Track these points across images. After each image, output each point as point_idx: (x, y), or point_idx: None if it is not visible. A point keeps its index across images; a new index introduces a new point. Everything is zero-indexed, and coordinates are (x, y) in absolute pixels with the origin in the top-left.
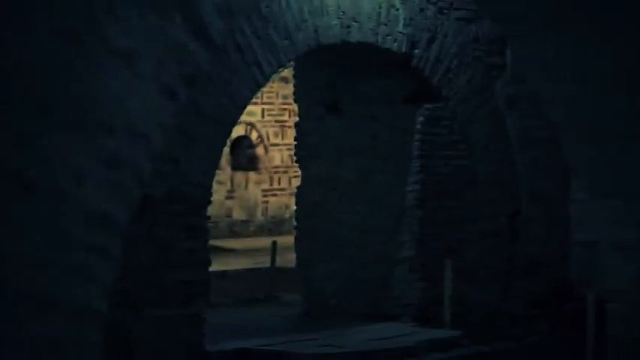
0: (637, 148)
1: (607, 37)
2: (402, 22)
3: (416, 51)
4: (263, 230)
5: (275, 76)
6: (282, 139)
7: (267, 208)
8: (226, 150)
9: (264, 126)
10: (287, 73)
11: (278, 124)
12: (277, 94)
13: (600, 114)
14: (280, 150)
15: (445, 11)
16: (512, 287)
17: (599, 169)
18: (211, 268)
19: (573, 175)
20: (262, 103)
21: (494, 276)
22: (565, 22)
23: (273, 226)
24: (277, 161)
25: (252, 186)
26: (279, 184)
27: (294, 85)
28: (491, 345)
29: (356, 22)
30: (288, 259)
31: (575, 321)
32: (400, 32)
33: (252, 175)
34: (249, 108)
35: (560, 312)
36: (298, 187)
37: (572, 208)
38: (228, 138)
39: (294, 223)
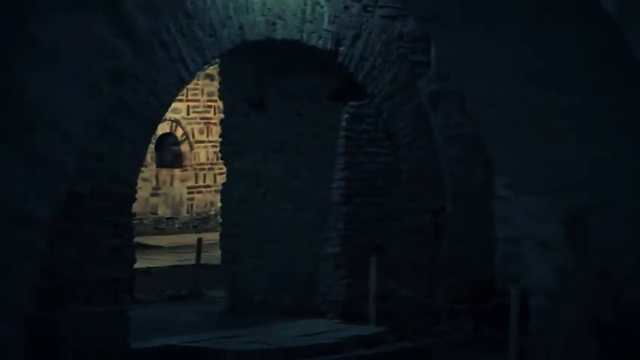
0: (558, 144)
1: (528, 35)
2: (326, 19)
3: (341, 48)
4: (188, 227)
5: (200, 73)
6: (208, 136)
7: (192, 205)
8: (151, 147)
9: (190, 123)
10: (212, 70)
11: (203, 121)
12: (202, 91)
13: (522, 111)
14: (205, 147)
15: (370, 9)
16: (436, 283)
17: (521, 166)
18: (136, 265)
19: (496, 172)
20: (187, 100)
21: (418, 272)
22: (487, 20)
23: (199, 222)
24: (202, 158)
25: (178, 183)
26: (204, 181)
27: (220, 82)
28: (416, 341)
29: (281, 19)
30: (214, 256)
31: (499, 316)
32: (325, 29)
33: (177, 172)
34: (174, 105)
35: (483, 308)
36: (223, 184)
37: (495, 205)
38: (153, 135)
39: (220, 220)
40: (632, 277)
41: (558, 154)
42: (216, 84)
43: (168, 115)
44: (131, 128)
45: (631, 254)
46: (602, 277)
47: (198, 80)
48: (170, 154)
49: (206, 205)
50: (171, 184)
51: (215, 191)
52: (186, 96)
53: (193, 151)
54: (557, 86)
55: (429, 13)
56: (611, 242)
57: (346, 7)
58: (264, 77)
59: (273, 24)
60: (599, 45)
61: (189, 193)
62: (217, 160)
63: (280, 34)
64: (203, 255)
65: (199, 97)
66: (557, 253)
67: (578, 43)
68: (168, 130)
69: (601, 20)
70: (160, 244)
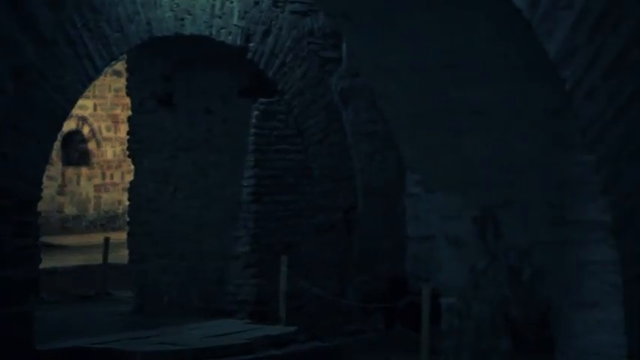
0: (469, 141)
1: (437, 30)
2: (236, 14)
3: (251, 44)
4: (95, 226)
5: (107, 69)
6: (115, 133)
7: (99, 204)
8: (57, 144)
9: (97, 120)
10: (120, 66)
11: (110, 118)
12: (109, 88)
13: (432, 108)
14: (113, 144)
15: (280, 4)
16: (348, 282)
17: (432, 163)
18: (42, 265)
19: (408, 169)
20: (94, 97)
21: (330, 271)
22: (396, 15)
23: (106, 221)
24: (110, 156)
25: (84, 181)
26: (111, 178)
27: (127, 79)
28: (328, 340)
29: (190, 14)
30: (121, 255)
31: (411, 315)
32: (235, 25)
33: (84, 169)
34: (81, 102)
35: (395, 306)
36: (131, 182)
37: (407, 203)
38: (59, 132)
39: (127, 219)
40: (542, 275)
41: (469, 151)
42: (123, 80)
43: (75, 112)
44: (36, 126)
45: (541, 252)
46: (514, 275)
47: (105, 76)
48: (77, 151)
49: (113, 203)
50: (78, 182)
51: (123, 189)
52: (93, 92)
53: (101, 148)
54: (468, 82)
55: (339, 8)
56: (523, 240)
57: (256, 3)
58: (173, 74)
59: (182, 19)
60: (511, 41)
61: (96, 191)
62: (125, 157)
63: (189, 29)
64: (110, 254)
65: (106, 93)
66: (468, 252)
67: (489, 39)
68: (74, 128)
69: (513, 16)
70: (67, 244)
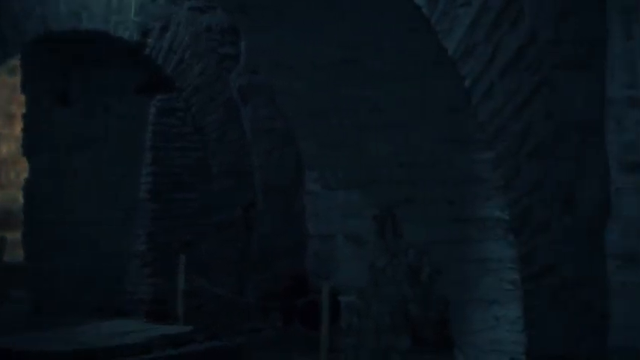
0: (367, 138)
1: (336, 27)
2: (133, 10)
3: (148, 40)
4: None
5: (2, 66)
6: (10, 130)
7: None
8: None
9: None
10: (14, 62)
11: (5, 115)
12: (4, 85)
13: (331, 104)
14: (8, 142)
15: (178, 0)
16: (246, 280)
17: (331, 160)
18: None
19: (307, 166)
20: None
21: (228, 269)
22: (294, 11)
23: (1, 220)
24: (4, 153)
25: None
26: (7, 177)
27: (22, 75)
28: (226, 339)
29: (86, 9)
30: (17, 255)
31: (311, 313)
32: (132, 21)
33: None
34: None
35: (295, 305)
36: (26, 180)
37: (306, 200)
38: None
39: (23, 218)
40: (441, 273)
41: (369, 148)
42: (18, 77)
43: None
44: None
45: (440, 250)
46: (413, 273)
47: None
48: None
49: (8, 201)
50: None
51: (18, 187)
52: None
53: None
54: (368, 79)
55: (236, 5)
56: (422, 238)
57: None
58: (69, 70)
59: (78, 15)
60: (411, 38)
61: None
62: (20, 155)
63: (85, 25)
64: (6, 254)
65: (1, 90)
66: (368, 250)
67: (390, 36)
68: None
69: (413, 13)
70: None
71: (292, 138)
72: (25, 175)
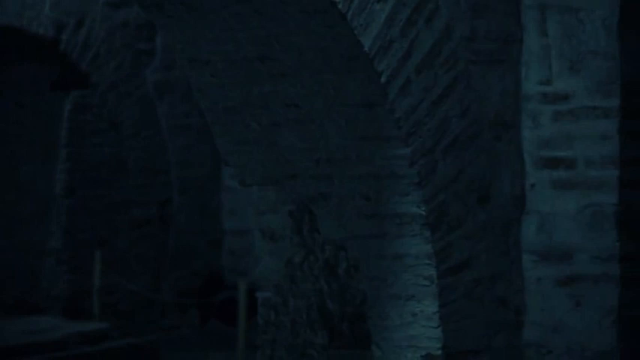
0: (282, 135)
1: (252, 22)
2: (47, 5)
3: (63, 36)
4: None
5: None
6: None
7: None
8: None
9: None
10: None
11: None
12: None
13: (248, 100)
14: None
15: None
16: (163, 277)
17: (247, 156)
18: None
19: (223, 162)
20: None
21: (145, 266)
22: (208, 6)
23: None
24: None
25: None
26: None
27: None
28: (142, 336)
29: None
30: None
31: (227, 310)
32: (46, 16)
33: None
34: None
35: (212, 301)
36: None
37: (223, 197)
38: None
39: None
40: (358, 269)
41: (284, 144)
42: None
43: None
44: None
45: (357, 245)
46: (329, 268)
47: None
48: None
49: None
50: None
51: None
52: None
53: None
54: (283, 75)
55: (152, 0)
56: (338, 233)
57: None
58: None
59: None
60: (327, 34)
61: None
62: None
63: None
64: None
65: None
66: (284, 246)
67: (305, 31)
68: None
69: (329, 9)
70: None
71: (209, 134)
72: None
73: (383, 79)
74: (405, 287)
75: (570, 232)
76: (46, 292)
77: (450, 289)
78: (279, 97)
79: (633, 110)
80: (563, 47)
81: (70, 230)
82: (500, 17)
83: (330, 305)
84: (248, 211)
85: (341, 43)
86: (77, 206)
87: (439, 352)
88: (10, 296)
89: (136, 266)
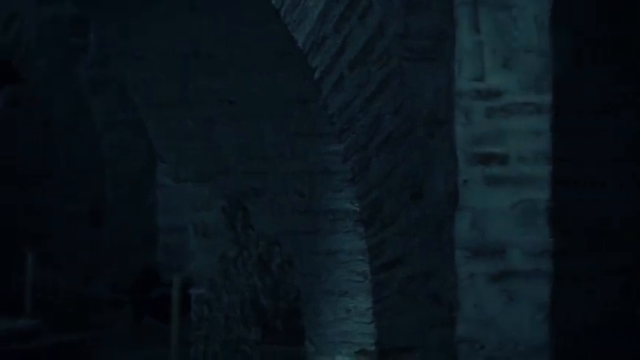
0: (219, 131)
1: (186, 17)
2: None
3: None
4: None
5: None
6: None
7: None
8: None
9: None
10: None
11: None
12: None
13: (182, 96)
14: None
15: None
16: (97, 274)
17: (181, 152)
18: None
19: (158, 158)
20: None
21: (78, 262)
22: (144, 2)
23: None
24: None
25: None
26: None
27: None
28: (75, 333)
29: None
30: None
31: (162, 306)
32: None
33: None
34: None
35: (146, 298)
36: None
37: (157, 193)
38: None
39: None
40: (291, 265)
41: (218, 140)
42: None
43: None
44: None
45: (291, 241)
46: (263, 264)
47: None
48: None
49: None
50: None
51: None
52: None
53: None
54: (217, 70)
55: None
56: (272, 229)
57: None
58: None
59: None
60: (261, 29)
61: None
62: None
63: None
64: None
65: None
66: (217, 242)
67: (239, 26)
68: None
69: (263, 4)
70: None
71: (143, 130)
72: None
73: (316, 76)
74: (338, 283)
75: (503, 228)
76: None
77: (383, 286)
78: (213, 93)
79: (565, 106)
80: (495, 44)
81: (2, 227)
82: (434, 14)
83: (264, 301)
84: (182, 207)
85: (275, 39)
86: (6, 204)
87: (372, 348)
88: None
89: (70, 263)
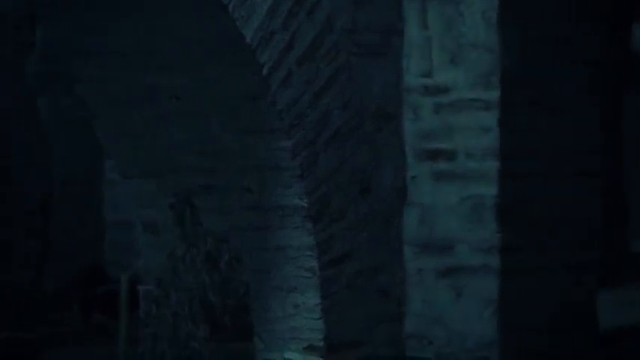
0: (168, 127)
1: (136, 13)
2: None
3: None
4: None
5: None
6: None
7: None
8: None
9: None
10: None
11: None
12: None
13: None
14: None
15: None
16: (45, 271)
17: (129, 149)
18: None
19: (106, 155)
20: None
21: (27, 260)
22: None
23: None
24: None
25: None
26: None
27: None
28: (23, 331)
29: None
30: None
31: (110, 304)
32: None
33: None
34: None
35: (94, 295)
36: None
37: (105, 189)
38: None
39: None
40: (240, 261)
41: (167, 137)
42: None
43: None
44: None
45: (239, 237)
46: (211, 261)
47: None
48: None
49: None
50: None
51: None
52: None
53: None
54: (166, 67)
55: None
56: (220, 226)
57: None
58: None
59: None
60: (210, 25)
61: None
62: None
63: None
64: None
65: None
66: (166, 238)
67: (188, 22)
68: None
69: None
70: None
71: (91, 126)
72: None
73: (265, 72)
74: (287, 279)
75: (451, 223)
76: None
77: (331, 281)
78: (162, 89)
79: (513, 102)
80: (443, 40)
81: None
82: (382, 9)
83: (212, 298)
84: (130, 203)
85: (224, 35)
86: None
87: (321, 343)
88: None
89: (18, 260)
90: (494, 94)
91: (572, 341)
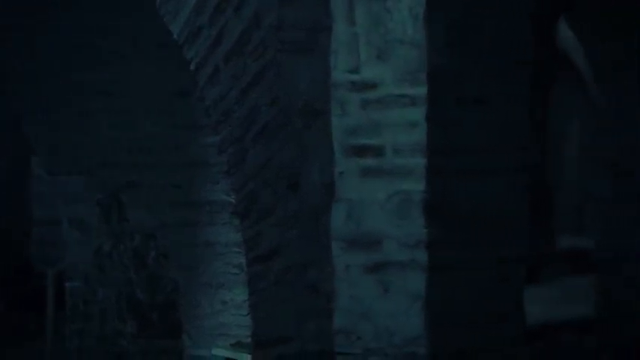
0: (96, 123)
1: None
2: None
3: None
4: None
5: None
6: None
7: None
8: None
9: None
10: None
11: None
12: None
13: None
14: None
15: None
16: None
17: (56, 145)
18: None
19: (33, 150)
20: None
21: None
22: None
23: None
24: None
25: None
26: None
27: None
28: None
29: None
30: None
31: (36, 300)
32: None
33: None
34: None
35: (20, 291)
36: None
37: (32, 185)
38: None
39: None
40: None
41: (95, 132)
42: None
43: None
44: None
45: (167, 234)
46: (139, 257)
47: None
48: None
49: None
50: None
51: None
52: None
53: None
54: (95, 62)
55: None
56: (148, 222)
57: None
58: None
59: None
60: (138, 21)
61: None
62: None
63: None
64: None
65: None
66: (93, 235)
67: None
68: None
69: None
70: None
71: (18, 122)
72: None
73: (192, 67)
74: (215, 275)
75: (379, 219)
76: None
77: (259, 277)
78: (92, 84)
79: (441, 98)
80: (370, 36)
81: None
82: (309, 6)
83: (140, 294)
84: (56, 199)
85: (152, 30)
86: None
87: (249, 339)
88: None
89: None
90: (421, 90)
91: (499, 337)
